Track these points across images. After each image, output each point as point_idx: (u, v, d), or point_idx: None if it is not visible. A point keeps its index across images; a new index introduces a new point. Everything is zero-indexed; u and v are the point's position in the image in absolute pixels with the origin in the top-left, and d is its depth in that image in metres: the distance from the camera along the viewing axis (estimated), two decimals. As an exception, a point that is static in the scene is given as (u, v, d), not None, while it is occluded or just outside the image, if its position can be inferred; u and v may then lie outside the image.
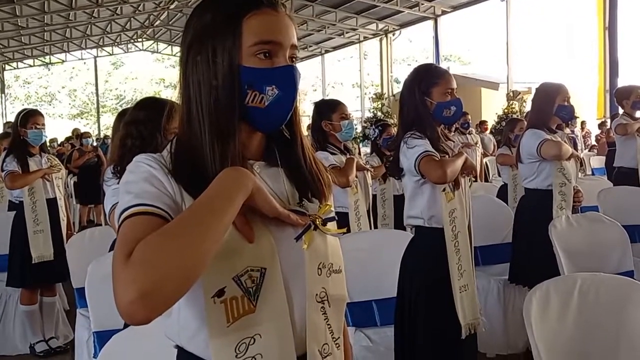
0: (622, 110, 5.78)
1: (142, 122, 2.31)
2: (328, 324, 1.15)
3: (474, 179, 2.63)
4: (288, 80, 1.12)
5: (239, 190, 1.00)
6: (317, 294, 1.13)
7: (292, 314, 1.10)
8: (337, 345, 1.17)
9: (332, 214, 1.20)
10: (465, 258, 2.48)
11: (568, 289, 1.97)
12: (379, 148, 4.94)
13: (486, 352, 3.75)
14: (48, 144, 14.42)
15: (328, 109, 3.61)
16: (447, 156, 2.51)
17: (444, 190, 2.45)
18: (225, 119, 1.10)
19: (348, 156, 3.56)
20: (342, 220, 3.42)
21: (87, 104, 37.82)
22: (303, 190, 1.18)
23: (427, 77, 2.60)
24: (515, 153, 4.01)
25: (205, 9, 1.14)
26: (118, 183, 2.38)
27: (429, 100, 2.57)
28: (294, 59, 1.15)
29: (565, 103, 3.65)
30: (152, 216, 0.99)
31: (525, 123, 4.94)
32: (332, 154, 3.53)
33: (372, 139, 5.05)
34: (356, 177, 3.51)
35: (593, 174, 10.46)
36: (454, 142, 2.71)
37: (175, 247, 0.89)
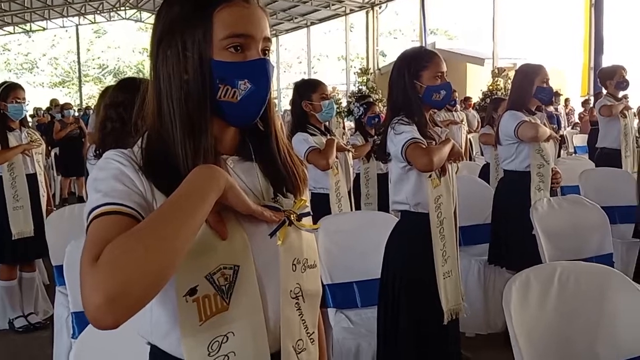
0: (606, 91, 5.80)
1: (121, 105, 2.29)
2: (302, 320, 1.15)
3: (459, 164, 2.63)
4: (261, 74, 1.09)
5: (211, 188, 0.98)
6: (291, 290, 1.12)
7: (266, 310, 1.09)
8: (312, 340, 1.17)
9: (307, 209, 1.18)
10: (450, 244, 2.48)
11: (548, 277, 1.97)
12: (363, 127, 4.91)
13: (465, 331, 3.78)
14: (33, 113, 14.18)
15: (308, 89, 3.57)
16: (434, 142, 2.50)
17: (430, 176, 2.43)
18: (196, 113, 1.07)
19: (328, 137, 3.53)
20: (323, 201, 3.42)
21: (69, 73, 37.24)
22: (278, 185, 1.17)
23: (416, 60, 2.57)
24: (494, 134, 4.02)
25: (174, 2, 1.10)
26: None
27: (418, 84, 2.54)
28: (266, 52, 1.12)
29: (544, 85, 3.65)
30: (122, 215, 0.97)
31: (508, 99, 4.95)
32: (312, 134, 3.50)
33: (357, 117, 5.01)
34: (337, 158, 3.48)
35: (575, 152, 10.56)
36: (441, 127, 2.69)
37: (143, 249, 0.87)
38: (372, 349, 2.71)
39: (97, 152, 2.37)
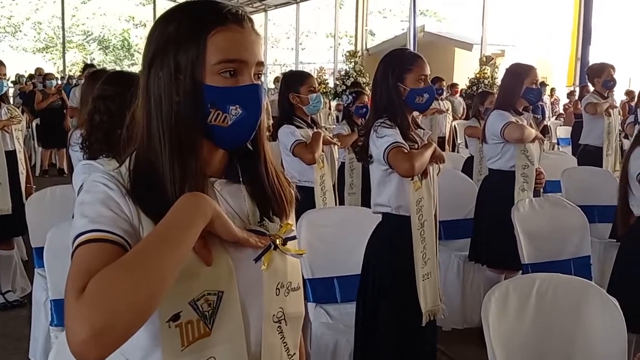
0: (593, 88, 5.83)
1: (110, 98, 2.29)
2: (284, 342, 1.16)
3: (442, 165, 2.64)
4: (252, 99, 1.09)
5: (198, 218, 0.99)
6: (274, 315, 1.13)
7: (248, 334, 1.10)
8: None
9: (293, 233, 1.18)
10: (430, 246, 2.50)
11: (527, 289, 2.00)
12: (351, 115, 4.89)
13: (442, 325, 3.82)
14: (15, 79, 13.98)
15: (296, 82, 3.54)
16: (416, 145, 2.50)
17: (412, 179, 2.44)
18: (186, 136, 1.06)
19: (315, 130, 3.52)
20: (308, 194, 3.42)
21: (53, 39, 36.57)
22: (264, 208, 1.17)
23: (400, 62, 2.57)
24: (481, 131, 4.04)
25: (168, 22, 1.09)
26: (84, 157, 2.36)
27: (402, 86, 2.54)
28: (259, 76, 1.12)
29: (534, 86, 3.68)
30: (108, 243, 0.96)
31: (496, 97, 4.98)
32: (299, 127, 3.49)
33: (345, 105, 4.99)
34: (323, 151, 3.47)
35: (558, 143, 10.63)
36: (423, 129, 2.70)
37: (129, 282, 0.87)
38: (350, 346, 2.73)
39: (84, 144, 2.35)
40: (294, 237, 1.17)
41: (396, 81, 2.53)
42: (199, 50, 1.05)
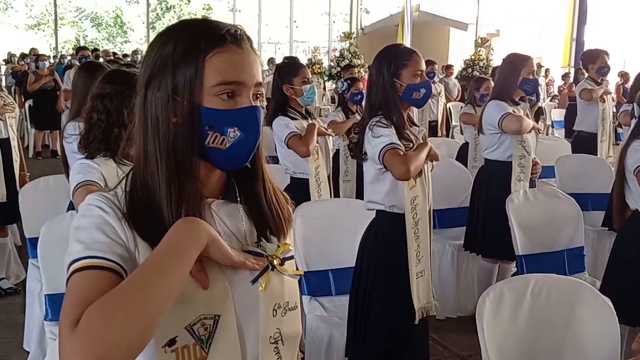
0: (587, 74, 5.83)
1: (107, 96, 2.30)
2: None
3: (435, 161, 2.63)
4: (251, 121, 1.07)
5: (192, 246, 0.98)
6: (270, 336, 1.12)
7: (244, 356, 1.09)
8: None
9: (291, 253, 1.17)
10: (424, 244, 2.49)
11: (521, 290, 2.00)
12: (346, 102, 4.87)
13: (436, 314, 3.84)
14: (7, 58, 13.81)
15: (289, 73, 3.52)
16: (411, 144, 2.48)
17: None
18: (183, 157, 1.05)
19: (309, 122, 3.50)
20: (303, 186, 3.42)
21: (45, 15, 36.13)
22: (262, 228, 1.15)
23: (396, 58, 2.54)
24: (478, 119, 4.04)
25: (165, 42, 1.06)
26: (82, 153, 2.34)
27: (398, 82, 2.52)
28: (258, 96, 1.10)
29: (530, 76, 3.69)
30: (103, 270, 0.96)
31: (492, 82, 4.98)
32: (293, 119, 3.47)
33: (340, 92, 4.97)
34: (317, 142, 3.46)
35: (553, 126, 10.64)
36: (418, 126, 2.68)
37: (123, 316, 0.87)
38: (344, 339, 2.74)
39: (81, 143, 2.35)
40: (291, 257, 1.17)
41: (392, 77, 2.51)
42: (197, 72, 1.03)
